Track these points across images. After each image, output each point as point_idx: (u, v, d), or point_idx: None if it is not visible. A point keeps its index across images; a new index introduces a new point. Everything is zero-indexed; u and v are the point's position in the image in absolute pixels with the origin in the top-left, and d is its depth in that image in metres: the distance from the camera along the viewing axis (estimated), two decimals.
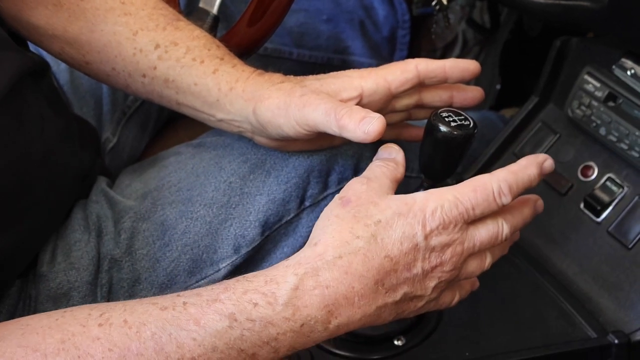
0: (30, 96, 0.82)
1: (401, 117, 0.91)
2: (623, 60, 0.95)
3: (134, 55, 0.88)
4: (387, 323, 0.82)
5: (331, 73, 0.88)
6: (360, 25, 1.42)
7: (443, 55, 1.48)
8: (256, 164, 0.92)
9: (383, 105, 0.86)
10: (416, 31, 1.46)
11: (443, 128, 0.75)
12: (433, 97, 0.89)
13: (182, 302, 0.64)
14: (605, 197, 0.95)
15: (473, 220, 0.72)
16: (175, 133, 1.26)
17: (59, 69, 1.09)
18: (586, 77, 0.98)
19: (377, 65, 1.41)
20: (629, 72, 0.95)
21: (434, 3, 1.31)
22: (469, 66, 0.86)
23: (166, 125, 1.25)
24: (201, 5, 0.98)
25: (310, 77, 0.87)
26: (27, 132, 0.79)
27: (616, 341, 0.85)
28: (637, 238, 0.91)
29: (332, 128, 0.79)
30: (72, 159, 0.91)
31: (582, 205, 0.97)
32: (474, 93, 0.89)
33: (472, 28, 1.45)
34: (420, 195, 0.71)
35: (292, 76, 0.88)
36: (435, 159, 0.76)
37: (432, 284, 0.71)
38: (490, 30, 1.45)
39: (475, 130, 0.76)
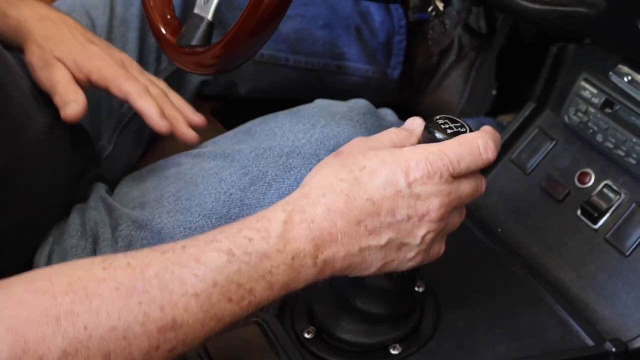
0: (13, 90, 0.83)
1: None
2: (620, 66, 0.95)
3: None
4: (383, 331, 0.82)
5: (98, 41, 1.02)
6: (357, 31, 1.42)
7: (439, 61, 1.48)
8: (257, 176, 0.93)
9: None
10: (412, 37, 1.46)
11: (439, 135, 0.75)
12: None
13: (180, 246, 0.67)
14: (602, 204, 0.94)
15: (459, 175, 0.74)
16: (171, 139, 1.26)
17: None
18: (583, 83, 0.97)
19: (373, 72, 1.43)
20: (625, 79, 0.94)
21: (430, 9, 1.30)
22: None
23: None
24: (196, 11, 0.97)
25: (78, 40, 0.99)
26: (10, 123, 0.81)
27: (614, 349, 0.84)
28: (635, 245, 0.91)
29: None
30: (62, 156, 0.91)
31: (579, 212, 0.96)
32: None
33: (468, 33, 1.45)
34: (407, 148, 0.74)
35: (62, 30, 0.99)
36: None
37: (420, 232, 0.73)
38: (487, 36, 1.44)
39: None
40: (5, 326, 0.59)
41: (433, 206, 0.72)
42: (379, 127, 1.01)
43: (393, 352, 0.82)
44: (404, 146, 0.76)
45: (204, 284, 0.65)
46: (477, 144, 0.73)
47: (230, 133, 1.02)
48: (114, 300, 0.62)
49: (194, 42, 0.96)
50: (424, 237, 0.73)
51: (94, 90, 1.11)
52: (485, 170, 1.06)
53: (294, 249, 0.69)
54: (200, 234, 0.69)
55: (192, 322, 0.65)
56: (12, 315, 0.60)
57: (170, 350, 0.65)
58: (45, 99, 0.92)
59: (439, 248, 0.77)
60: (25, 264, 0.88)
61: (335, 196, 0.70)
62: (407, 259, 0.74)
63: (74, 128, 0.98)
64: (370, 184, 0.71)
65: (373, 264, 0.73)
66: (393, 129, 0.78)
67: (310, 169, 0.93)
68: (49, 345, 0.60)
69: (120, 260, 0.66)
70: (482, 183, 0.76)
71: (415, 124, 0.79)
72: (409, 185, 0.71)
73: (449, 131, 0.75)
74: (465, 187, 0.74)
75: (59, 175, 0.90)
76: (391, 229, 0.72)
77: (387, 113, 1.09)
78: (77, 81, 0.96)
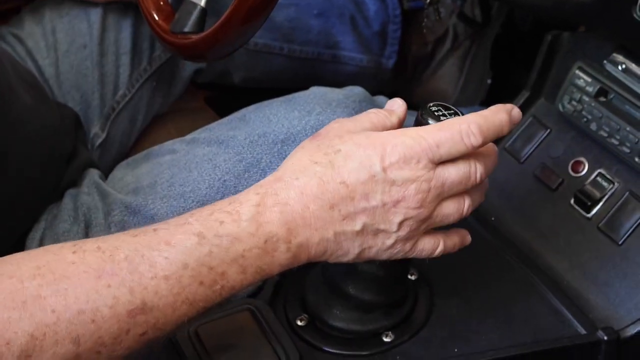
0: None
1: None
2: (614, 55, 0.95)
3: None
4: (376, 319, 0.82)
5: None
6: (351, 20, 1.41)
7: (434, 49, 1.47)
8: (251, 163, 0.93)
9: None
10: (407, 25, 1.45)
11: (432, 122, 0.74)
12: None
13: (152, 229, 0.67)
14: (595, 193, 0.94)
15: (443, 161, 0.71)
16: (164, 127, 1.26)
17: (45, 63, 1.09)
18: (577, 72, 0.97)
19: (368, 61, 1.42)
20: (620, 67, 0.94)
21: None
22: None
23: (154, 119, 1.24)
24: None
25: None
26: None
27: (605, 337, 0.84)
28: (628, 234, 0.91)
29: None
30: (49, 135, 0.91)
31: (572, 201, 0.96)
32: None
33: (463, 22, 1.45)
34: (385, 132, 0.72)
35: None
36: None
37: (396, 219, 0.71)
38: (482, 24, 1.44)
39: None
40: None
41: (409, 192, 0.70)
42: None
43: (385, 339, 0.82)
44: (384, 126, 0.75)
45: (174, 267, 0.64)
46: (459, 128, 0.71)
47: (225, 120, 1.02)
48: (82, 283, 0.62)
49: (187, 28, 0.95)
50: (400, 223, 0.71)
51: (85, 78, 1.11)
52: None
53: (267, 232, 0.67)
54: (172, 218, 0.69)
55: (162, 305, 0.64)
56: None
57: (142, 334, 0.64)
58: (27, 78, 0.92)
59: (432, 245, 0.75)
60: (17, 248, 0.87)
61: (309, 179, 0.69)
62: (386, 246, 0.72)
63: (63, 112, 0.98)
64: (344, 168, 0.70)
65: (350, 250, 0.72)
66: (373, 110, 0.76)
67: None
68: (15, 330, 0.59)
69: (90, 244, 0.65)
70: (474, 169, 0.73)
71: (396, 104, 0.77)
72: (384, 169, 0.69)
73: (442, 118, 0.74)
74: (451, 174, 0.71)
75: (47, 154, 0.90)
76: (366, 214, 0.70)
77: (383, 101, 1.09)
78: None
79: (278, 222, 0.68)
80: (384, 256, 0.73)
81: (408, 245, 0.73)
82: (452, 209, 0.74)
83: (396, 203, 0.70)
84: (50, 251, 0.64)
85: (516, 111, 0.75)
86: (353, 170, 0.69)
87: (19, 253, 0.65)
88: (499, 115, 0.73)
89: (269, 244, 0.68)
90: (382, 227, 0.71)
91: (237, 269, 0.67)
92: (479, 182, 0.73)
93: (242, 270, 0.67)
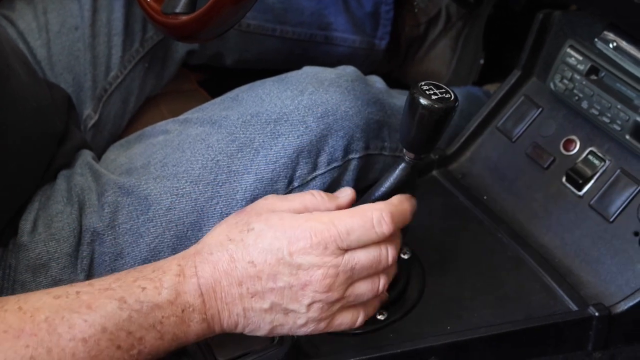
0: None
1: None
2: (605, 33, 0.95)
3: None
4: None
5: None
6: (344, 1, 1.41)
7: (427, 30, 1.47)
8: (244, 143, 0.93)
9: None
10: (399, 6, 1.45)
11: (424, 101, 0.74)
12: None
13: (75, 291, 0.68)
14: (587, 171, 0.95)
15: (350, 247, 0.72)
16: (157, 108, 1.26)
17: (36, 44, 1.08)
18: (569, 50, 0.97)
19: (360, 42, 1.42)
20: (611, 45, 0.94)
21: None
22: None
23: (147, 101, 1.24)
24: None
25: None
26: None
27: (597, 314, 0.85)
28: (618, 211, 0.91)
29: None
30: (41, 113, 0.91)
31: (564, 179, 0.97)
32: None
33: (456, 2, 1.44)
34: (299, 215, 0.73)
35: None
36: (415, 131, 0.76)
37: (305, 301, 0.72)
38: (474, 5, 1.44)
39: (456, 104, 0.75)
40: None
41: (315, 277, 0.71)
42: (368, 93, 1.00)
43: (379, 317, 0.83)
44: (317, 210, 0.75)
45: (92, 330, 0.65)
46: (371, 216, 0.72)
47: (218, 99, 1.02)
48: (1, 342, 0.63)
49: (179, 9, 0.95)
50: (309, 305, 0.72)
51: (77, 60, 1.11)
52: (471, 138, 1.06)
53: (184, 302, 0.69)
54: (97, 280, 0.70)
55: None
56: None
57: None
58: (22, 57, 0.91)
59: (351, 318, 0.75)
60: (10, 230, 0.87)
61: (221, 255, 0.71)
62: (298, 325, 0.73)
63: (55, 93, 0.98)
64: (254, 247, 0.71)
65: (261, 326, 0.73)
66: (314, 191, 0.77)
67: (297, 136, 0.94)
68: None
69: (12, 304, 0.66)
70: (387, 254, 0.73)
71: (343, 193, 0.78)
72: (291, 254, 0.71)
73: (433, 97, 0.75)
74: (360, 259, 0.72)
75: (39, 132, 0.89)
76: (274, 294, 0.71)
77: (376, 80, 1.09)
78: None
79: (195, 293, 0.70)
80: (300, 332, 0.74)
81: (322, 325, 0.74)
82: (365, 288, 0.74)
83: (303, 286, 0.71)
84: None
85: (414, 201, 0.77)
86: (262, 251, 0.71)
87: None
88: (404, 205, 0.75)
89: (186, 314, 0.70)
90: (291, 307, 0.72)
91: (154, 334, 0.68)
92: (390, 264, 0.74)
93: (159, 336, 0.69)
